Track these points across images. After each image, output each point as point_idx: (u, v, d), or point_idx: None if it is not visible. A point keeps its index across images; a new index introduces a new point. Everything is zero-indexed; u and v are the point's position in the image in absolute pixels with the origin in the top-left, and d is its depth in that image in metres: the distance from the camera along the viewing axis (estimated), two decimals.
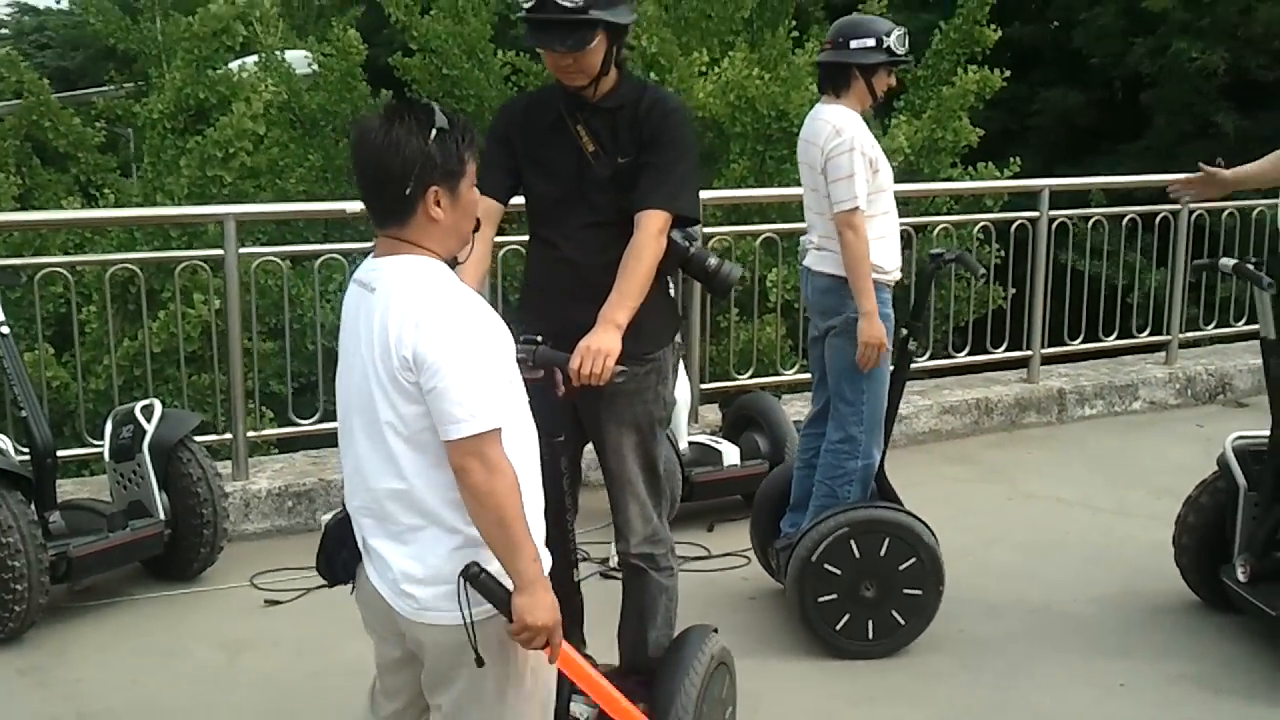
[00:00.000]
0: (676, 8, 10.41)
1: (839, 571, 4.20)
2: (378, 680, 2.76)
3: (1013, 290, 7.50)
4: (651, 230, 3.21)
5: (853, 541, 4.19)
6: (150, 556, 4.85)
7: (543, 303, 3.36)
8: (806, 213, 4.49)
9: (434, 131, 2.40)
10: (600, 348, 3.02)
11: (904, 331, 4.48)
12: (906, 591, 4.23)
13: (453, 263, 2.55)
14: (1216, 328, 8.18)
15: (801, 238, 4.65)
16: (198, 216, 7.50)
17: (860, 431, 4.34)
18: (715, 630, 3.47)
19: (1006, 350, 7.38)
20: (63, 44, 25.85)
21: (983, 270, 4.45)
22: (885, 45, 4.30)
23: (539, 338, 2.99)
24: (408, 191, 2.39)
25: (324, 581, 2.74)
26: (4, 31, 29.97)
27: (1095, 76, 16.79)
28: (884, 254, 4.31)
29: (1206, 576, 4.50)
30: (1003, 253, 7.69)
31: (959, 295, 7.51)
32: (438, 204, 2.43)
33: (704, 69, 9.63)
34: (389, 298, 2.41)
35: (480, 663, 2.44)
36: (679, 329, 3.48)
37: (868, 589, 4.22)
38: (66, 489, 5.36)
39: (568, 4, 3.13)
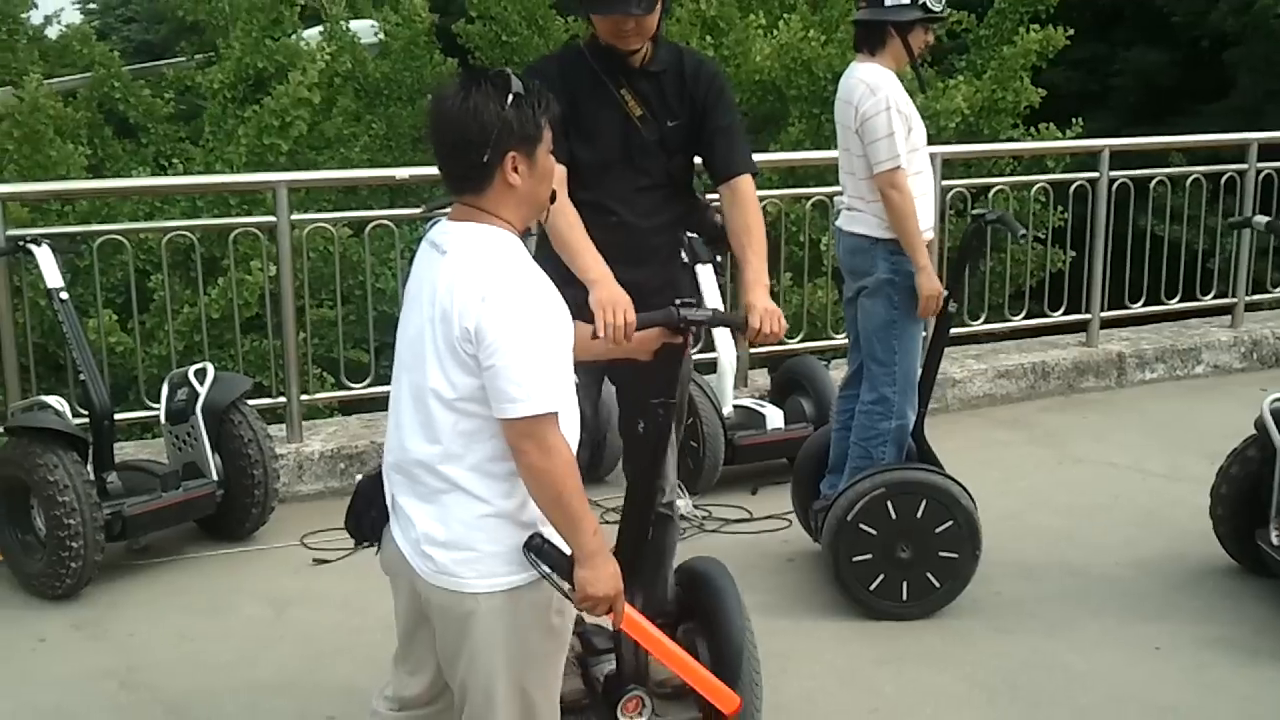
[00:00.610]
0: None
1: (874, 532, 4.20)
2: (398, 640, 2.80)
3: (1072, 254, 7.38)
4: (753, 193, 3.41)
5: (889, 502, 4.18)
6: (203, 516, 4.99)
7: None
8: (840, 173, 4.47)
9: (510, 97, 2.40)
10: (775, 309, 3.18)
11: (944, 293, 4.46)
12: (942, 554, 4.22)
13: (525, 234, 2.57)
14: None
15: (836, 198, 4.63)
16: (250, 184, 7.65)
17: (893, 392, 4.33)
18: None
19: (1065, 314, 7.28)
20: (147, 17, 26.30)
21: (1023, 230, 4.39)
22: (921, 2, 4.26)
23: (693, 300, 3.05)
24: (485, 158, 2.40)
25: (353, 540, 2.80)
26: (92, 6, 30.56)
27: (1178, 35, 16.39)
28: (917, 214, 4.28)
29: (1245, 542, 4.43)
30: (1066, 214, 7.57)
31: (1017, 258, 7.40)
32: (515, 170, 2.43)
33: (761, 31, 9.58)
34: (457, 265, 2.42)
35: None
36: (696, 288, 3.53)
37: (903, 550, 4.22)
38: (127, 451, 5.56)
39: None
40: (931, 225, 4.42)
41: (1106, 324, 7.33)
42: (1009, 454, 6.02)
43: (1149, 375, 7.19)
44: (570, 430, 2.51)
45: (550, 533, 2.47)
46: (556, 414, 2.39)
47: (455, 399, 2.41)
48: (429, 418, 2.45)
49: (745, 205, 3.37)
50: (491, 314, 2.34)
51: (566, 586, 2.47)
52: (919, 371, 4.45)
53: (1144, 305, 7.52)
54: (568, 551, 2.46)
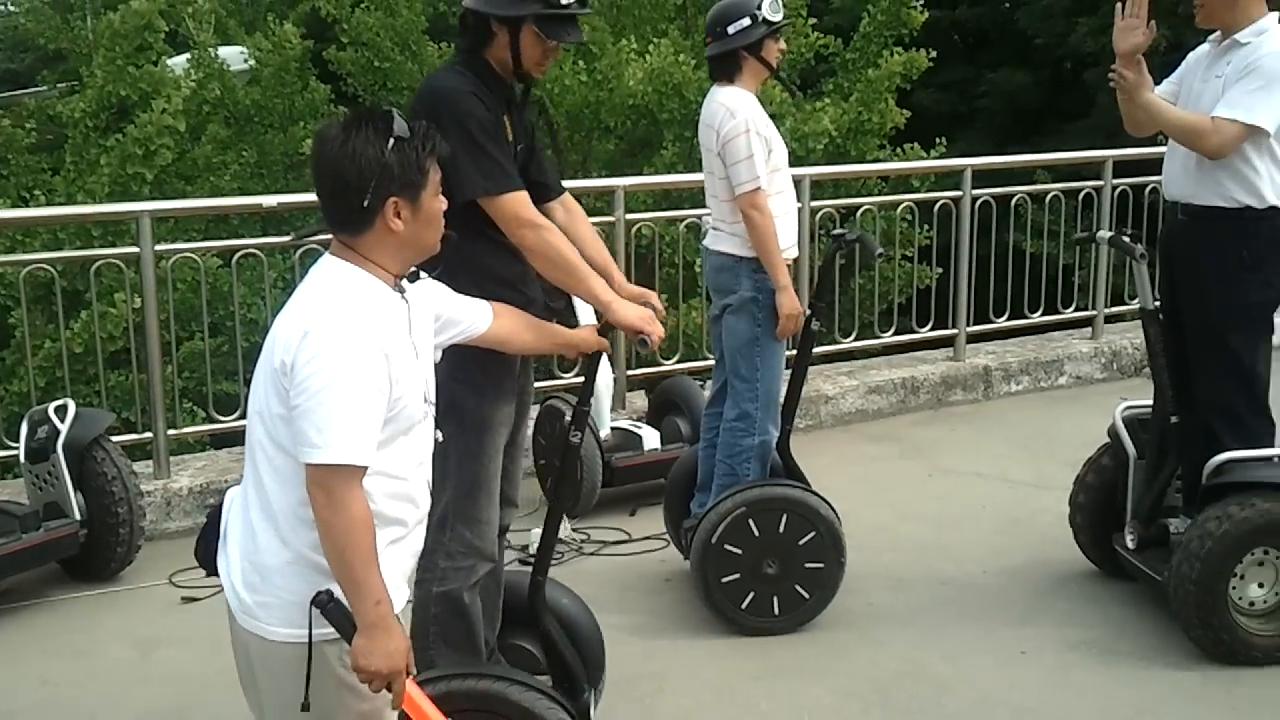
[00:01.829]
0: None
1: (740, 551, 4.25)
2: None
3: (939, 271, 7.57)
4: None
5: (751, 520, 4.24)
6: (66, 557, 4.85)
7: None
8: (706, 194, 4.55)
9: (391, 141, 2.32)
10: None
11: (807, 312, 4.54)
12: (808, 565, 4.28)
13: (415, 274, 2.52)
14: None
15: (704, 218, 4.71)
16: (112, 214, 7.46)
17: (755, 408, 4.40)
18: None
19: (933, 329, 7.46)
20: (10, 45, 25.51)
21: (880, 250, 4.50)
22: (761, 18, 4.34)
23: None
24: (365, 203, 2.32)
25: (202, 570, 2.64)
26: None
27: (1041, 57, 16.96)
28: (779, 233, 4.37)
29: (1103, 546, 4.58)
30: (931, 233, 7.78)
31: (886, 276, 7.56)
32: (398, 215, 2.36)
33: (633, 56, 9.68)
34: (299, 295, 2.37)
35: (305, 707, 2.35)
36: None
37: (770, 566, 4.27)
38: None
39: None
40: (794, 244, 4.51)
41: (973, 338, 7.54)
42: (879, 468, 6.15)
43: (1014, 387, 7.40)
44: (398, 494, 2.45)
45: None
46: (358, 469, 2.28)
47: (272, 431, 2.34)
48: (257, 440, 2.39)
49: (584, 218, 3.56)
50: (307, 351, 2.26)
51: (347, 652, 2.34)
52: (782, 388, 4.53)
53: (1008, 319, 7.75)
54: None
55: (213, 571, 2.56)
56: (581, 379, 3.33)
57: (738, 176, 4.28)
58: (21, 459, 4.93)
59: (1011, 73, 16.73)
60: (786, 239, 4.40)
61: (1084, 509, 4.61)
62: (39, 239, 8.19)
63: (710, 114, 4.40)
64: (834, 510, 4.35)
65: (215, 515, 2.59)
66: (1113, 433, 4.49)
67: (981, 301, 7.57)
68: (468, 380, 3.16)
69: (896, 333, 7.51)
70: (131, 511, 4.87)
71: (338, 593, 2.32)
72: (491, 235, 3.22)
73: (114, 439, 5.02)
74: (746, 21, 4.34)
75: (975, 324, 7.54)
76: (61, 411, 4.88)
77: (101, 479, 4.84)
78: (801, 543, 4.26)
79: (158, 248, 5.53)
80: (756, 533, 4.24)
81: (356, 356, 2.29)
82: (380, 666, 2.30)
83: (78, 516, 4.78)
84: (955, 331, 7.38)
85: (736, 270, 4.37)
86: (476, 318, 2.88)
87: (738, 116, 4.29)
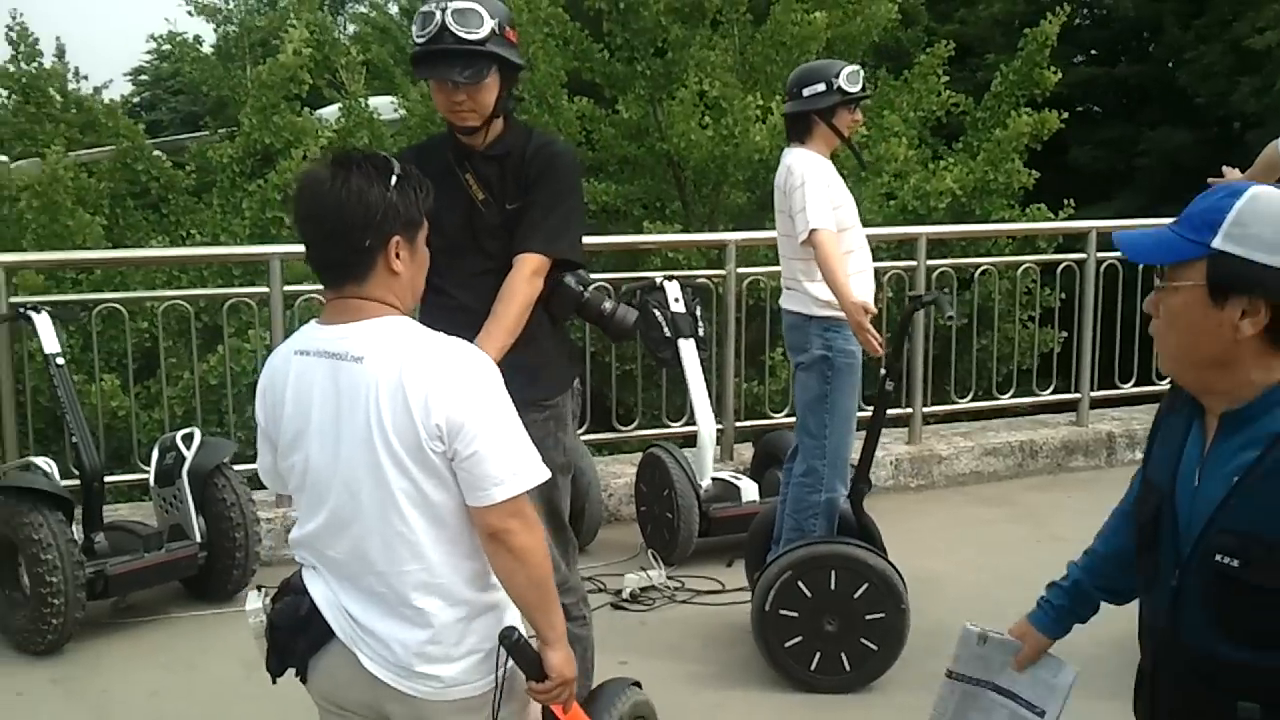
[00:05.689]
0: (742, 54, 10.59)
1: (796, 614, 4.24)
2: None
3: (1063, 335, 7.46)
4: (525, 273, 3.22)
5: (800, 582, 4.22)
6: (186, 576, 5.12)
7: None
8: (779, 254, 4.64)
9: (394, 179, 2.28)
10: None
11: (883, 372, 4.54)
12: (868, 617, 4.24)
13: None
14: None
15: (782, 278, 4.78)
16: (247, 255, 7.87)
17: (822, 465, 4.43)
18: (636, 684, 3.48)
19: (1055, 393, 7.33)
20: (195, 89, 26.81)
21: (951, 312, 4.46)
22: (836, 86, 4.43)
23: None
24: (368, 242, 2.26)
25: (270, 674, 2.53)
26: (144, 78, 31.31)
27: (1202, 115, 16.60)
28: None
29: None
30: (1057, 295, 7.66)
31: (1009, 337, 7.47)
32: (398, 255, 2.30)
33: (760, 113, 9.78)
34: (393, 367, 2.23)
35: None
36: (576, 375, 3.57)
37: (830, 623, 4.24)
38: (121, 512, 5.69)
39: (466, 35, 3.13)
40: (869, 300, 4.53)
41: (1097, 403, 7.37)
42: (988, 531, 6.06)
43: (1139, 455, 7.18)
44: None
45: (513, 619, 2.37)
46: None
47: (431, 508, 2.28)
48: (407, 532, 2.28)
49: (508, 284, 3.21)
50: (458, 402, 2.22)
51: (522, 679, 2.36)
52: (851, 447, 4.55)
53: (1135, 385, 7.56)
54: (534, 645, 2.35)
55: (285, 670, 2.50)
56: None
57: (798, 227, 4.33)
58: (150, 482, 5.22)
59: (1171, 131, 16.40)
60: (860, 296, 4.38)
61: None
62: (188, 275, 8.65)
63: (779, 176, 4.53)
64: (885, 558, 4.31)
65: (294, 618, 2.43)
66: None
67: (1107, 366, 7.41)
68: None
69: (1017, 395, 7.40)
70: (247, 536, 5.11)
71: (517, 624, 2.36)
72: None
73: (237, 468, 5.25)
74: (821, 87, 4.43)
75: (1100, 389, 7.38)
76: (188, 439, 5.16)
77: (221, 505, 5.09)
78: (856, 596, 4.22)
79: (286, 288, 5.82)
80: (809, 594, 4.22)
81: (494, 384, 2.30)
82: (573, 674, 2.39)
83: (198, 539, 5.04)
84: (1078, 396, 7.24)
85: (806, 329, 4.44)
86: None
87: (795, 172, 4.38)
